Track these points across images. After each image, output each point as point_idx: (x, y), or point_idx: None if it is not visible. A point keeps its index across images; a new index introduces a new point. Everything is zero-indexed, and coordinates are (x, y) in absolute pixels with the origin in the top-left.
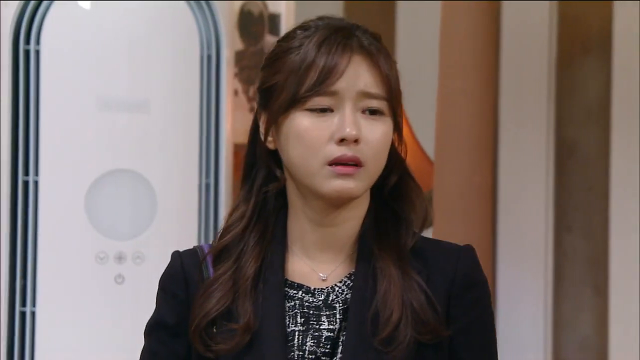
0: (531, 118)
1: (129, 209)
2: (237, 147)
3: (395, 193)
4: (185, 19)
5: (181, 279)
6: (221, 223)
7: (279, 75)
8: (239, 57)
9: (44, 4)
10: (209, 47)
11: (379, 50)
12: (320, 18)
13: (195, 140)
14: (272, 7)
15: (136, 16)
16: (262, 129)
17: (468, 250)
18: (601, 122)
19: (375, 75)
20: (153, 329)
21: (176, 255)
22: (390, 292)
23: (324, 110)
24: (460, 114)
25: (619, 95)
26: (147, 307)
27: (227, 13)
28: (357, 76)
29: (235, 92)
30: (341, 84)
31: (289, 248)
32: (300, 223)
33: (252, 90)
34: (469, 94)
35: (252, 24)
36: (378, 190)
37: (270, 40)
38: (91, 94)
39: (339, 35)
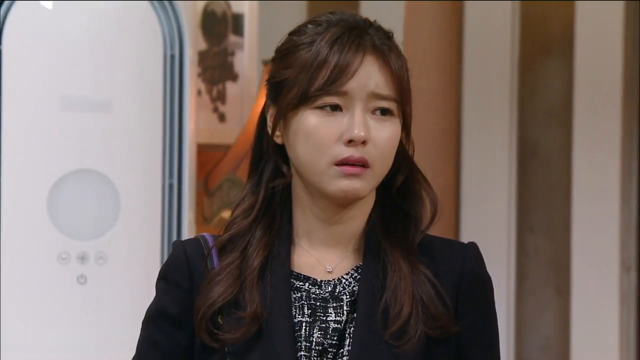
0: (494, 118)
1: (92, 209)
2: (200, 148)
3: (403, 191)
4: (148, 18)
5: (185, 269)
6: (185, 223)
7: (289, 71)
8: (202, 57)
9: (6, 4)
10: (172, 47)
11: (390, 49)
12: (332, 13)
13: (159, 140)
14: (235, 7)
15: (99, 16)
16: (269, 122)
17: (474, 247)
18: (563, 122)
19: (386, 75)
20: (153, 319)
21: (179, 244)
22: (401, 286)
23: (333, 109)
24: (424, 114)
25: (580, 95)
26: (109, 307)
27: (190, 13)
28: (369, 77)
29: (199, 92)
30: (352, 84)
31: (295, 241)
32: (306, 219)
33: (216, 90)
34: (432, 94)
35: (215, 24)
36: (384, 189)
37: (233, 40)
38: (54, 94)
39: (352, 34)
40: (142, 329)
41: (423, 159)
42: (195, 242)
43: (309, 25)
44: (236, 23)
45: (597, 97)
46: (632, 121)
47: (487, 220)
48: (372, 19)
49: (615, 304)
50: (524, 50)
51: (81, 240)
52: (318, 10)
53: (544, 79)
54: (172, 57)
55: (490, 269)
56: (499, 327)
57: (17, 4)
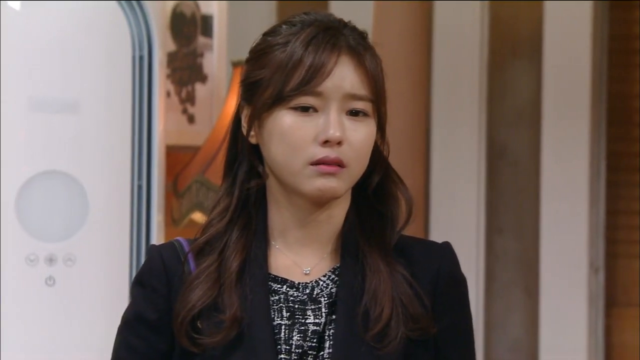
0: (462, 120)
1: (60, 210)
2: (169, 149)
3: (378, 192)
4: (116, 19)
5: (162, 274)
6: (154, 225)
7: (264, 71)
8: (171, 58)
9: None
10: (140, 48)
11: (365, 49)
12: (306, 13)
13: (127, 142)
14: (205, 8)
15: (67, 17)
16: (244, 123)
17: (450, 248)
18: (532, 124)
19: (361, 76)
20: (131, 324)
21: (154, 249)
22: (380, 289)
23: (308, 109)
24: (393, 115)
25: (549, 97)
26: (78, 309)
27: (159, 14)
28: (344, 77)
29: (168, 94)
30: (327, 85)
31: (270, 242)
32: (282, 219)
33: (185, 91)
34: (401, 95)
35: (184, 25)
36: (360, 189)
37: (202, 42)
38: (21, 95)
39: (327, 34)
40: (118, 334)
41: (392, 160)
42: (171, 246)
43: (284, 26)
44: (205, 24)
45: (565, 98)
46: (600, 123)
47: (456, 221)
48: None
49: (584, 305)
50: (493, 51)
51: (49, 242)
52: (288, 11)
53: (513, 81)
54: (141, 58)
55: None
56: None
57: None
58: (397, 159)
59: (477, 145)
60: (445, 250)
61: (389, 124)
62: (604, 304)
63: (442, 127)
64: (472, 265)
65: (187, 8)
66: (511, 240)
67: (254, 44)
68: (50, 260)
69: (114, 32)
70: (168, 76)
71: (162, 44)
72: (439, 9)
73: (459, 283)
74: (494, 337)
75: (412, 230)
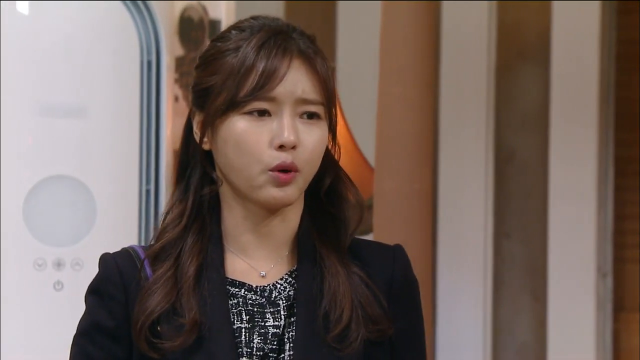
0: (470, 124)
1: (68, 215)
2: (177, 153)
3: (330, 194)
4: (125, 24)
5: (118, 281)
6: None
7: (216, 77)
8: (179, 62)
9: None
10: (149, 53)
11: (316, 53)
12: (254, 18)
13: (136, 146)
14: (213, 13)
15: (75, 21)
16: (196, 129)
17: (402, 250)
18: (540, 128)
19: (313, 79)
20: (88, 333)
21: (109, 257)
22: (340, 291)
23: (262, 114)
24: (400, 120)
25: (557, 101)
26: None
27: (167, 19)
28: (296, 81)
29: (176, 98)
30: (280, 90)
31: (225, 247)
32: (236, 223)
33: None
34: (409, 100)
35: (192, 29)
36: (312, 192)
37: None
38: (30, 100)
39: (278, 39)
40: (73, 345)
41: (400, 165)
42: (125, 254)
43: (233, 31)
44: (213, 29)
45: (573, 102)
46: (608, 127)
47: (463, 225)
48: (346, 21)
49: (592, 309)
50: (501, 56)
51: (57, 247)
52: (296, 14)
53: (520, 85)
54: (149, 63)
55: (467, 274)
56: (476, 332)
57: None
58: (405, 164)
59: (484, 150)
60: (398, 252)
61: (397, 129)
62: (611, 308)
63: (449, 131)
64: (479, 269)
65: (195, 13)
66: (519, 245)
67: (203, 50)
68: (58, 264)
69: (122, 36)
70: (176, 81)
71: (170, 49)
72: (447, 13)
73: (412, 285)
74: (501, 341)
75: (419, 236)
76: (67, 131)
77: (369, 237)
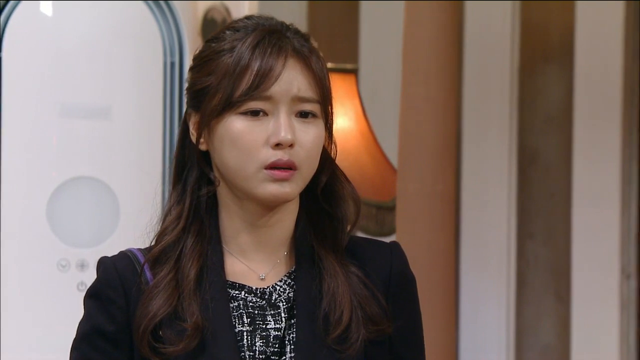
0: (493, 125)
1: (92, 216)
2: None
3: (327, 192)
4: (148, 26)
5: (118, 285)
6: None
7: (211, 77)
8: None
9: (6, 10)
10: (172, 54)
11: (311, 51)
12: (248, 17)
13: (158, 148)
14: (236, 13)
15: (99, 23)
16: (192, 130)
17: (399, 247)
18: (563, 129)
19: (308, 78)
20: (88, 338)
21: (108, 261)
22: (339, 292)
23: (258, 114)
24: (423, 122)
25: (580, 102)
26: None
27: (190, 20)
28: (291, 80)
29: None
30: (276, 89)
31: (224, 248)
32: (233, 224)
33: None
34: (432, 100)
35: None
36: (307, 192)
37: None
38: (53, 101)
39: (272, 38)
40: (73, 350)
41: (422, 166)
42: (125, 257)
43: (227, 31)
44: None
45: (597, 103)
46: (632, 128)
47: (487, 226)
48: (369, 21)
49: (615, 311)
50: (524, 57)
51: (81, 248)
52: (318, 13)
53: (544, 86)
54: (172, 64)
55: (490, 275)
56: (499, 333)
57: (17, 10)
58: (428, 165)
59: (507, 150)
60: (395, 250)
61: (420, 130)
62: (635, 310)
63: (472, 132)
64: (503, 270)
65: (218, 14)
66: (542, 246)
67: (198, 51)
68: (82, 265)
69: (146, 38)
70: None
71: (193, 50)
72: (470, 13)
73: (410, 282)
74: (525, 343)
75: (443, 237)
76: (91, 132)
77: (392, 238)
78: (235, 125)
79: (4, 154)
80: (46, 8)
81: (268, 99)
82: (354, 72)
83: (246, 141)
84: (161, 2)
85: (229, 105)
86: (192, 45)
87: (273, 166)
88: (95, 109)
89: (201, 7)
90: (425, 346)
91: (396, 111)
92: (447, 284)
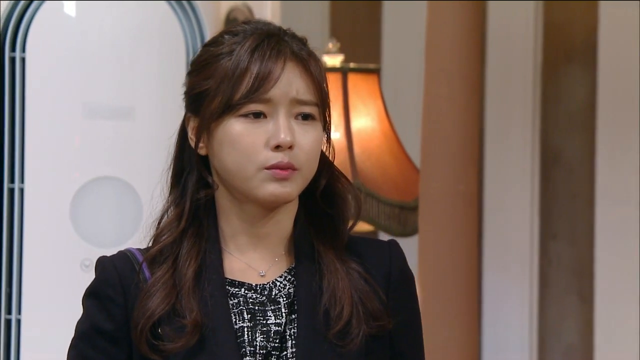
0: (516, 125)
1: (115, 216)
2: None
3: (326, 193)
4: (171, 26)
5: (117, 284)
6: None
7: (210, 81)
8: None
9: (29, 11)
10: (195, 54)
11: (309, 55)
12: (246, 22)
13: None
14: (258, 13)
15: (122, 23)
16: (191, 135)
17: (397, 245)
18: (586, 129)
19: (307, 81)
20: (86, 336)
21: (106, 260)
22: (339, 287)
23: (257, 116)
24: (446, 121)
25: (604, 102)
26: None
27: (213, 20)
28: (290, 83)
29: None
30: (275, 91)
31: (222, 248)
32: (231, 225)
33: None
34: (455, 100)
35: None
36: (306, 193)
37: None
38: (77, 101)
39: (271, 41)
40: (71, 348)
41: (445, 166)
42: (123, 256)
43: (226, 36)
44: None
45: (620, 103)
46: None
47: (509, 227)
48: (391, 21)
49: (638, 310)
50: (547, 57)
51: (104, 248)
52: (341, 13)
53: (567, 86)
54: None
55: (513, 275)
56: (522, 334)
57: (40, 11)
58: (450, 166)
59: (530, 151)
60: (394, 247)
61: (442, 130)
62: None
63: (495, 132)
64: (526, 270)
65: (240, 13)
66: (565, 246)
67: (195, 56)
68: None
69: (169, 38)
70: None
71: None
72: (493, 13)
73: (409, 279)
74: (548, 343)
75: (465, 237)
76: (114, 133)
77: (414, 239)
78: (235, 127)
79: (28, 154)
80: (70, 8)
81: (267, 101)
82: (377, 72)
83: (246, 143)
84: (184, 2)
85: (228, 108)
86: None
87: (273, 168)
88: (118, 110)
89: (224, 7)
90: (442, 344)
91: (419, 111)
92: (470, 284)
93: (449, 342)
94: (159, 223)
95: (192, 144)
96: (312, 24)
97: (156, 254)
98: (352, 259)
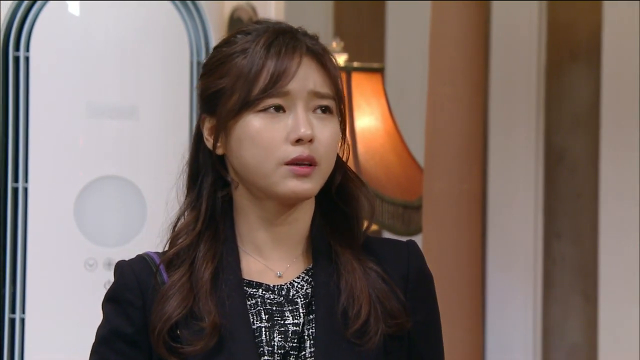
0: (520, 124)
1: (118, 215)
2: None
3: (340, 192)
4: (175, 25)
5: (136, 287)
6: None
7: (225, 80)
8: None
9: (33, 10)
10: (198, 54)
11: (324, 50)
12: (257, 22)
13: (185, 147)
14: (262, 13)
15: (126, 22)
16: (207, 135)
17: (415, 244)
18: (590, 128)
19: (323, 75)
20: (107, 341)
21: (125, 264)
22: (357, 287)
23: (276, 110)
24: (450, 120)
25: (607, 101)
26: None
27: (216, 19)
28: (307, 77)
29: None
30: (293, 85)
31: (240, 249)
32: (250, 224)
33: None
34: (459, 100)
35: None
36: (323, 190)
37: None
38: (80, 100)
39: (285, 37)
40: (92, 354)
41: (449, 165)
42: (141, 260)
43: (238, 36)
44: None
45: (624, 103)
46: None
47: (513, 226)
48: (395, 21)
49: None
50: (551, 56)
51: (108, 247)
52: (344, 13)
53: (571, 85)
54: (199, 63)
55: (517, 275)
56: (526, 333)
57: (44, 10)
58: (454, 165)
59: (534, 150)
60: (412, 247)
61: (446, 129)
62: None
63: (499, 131)
64: (529, 270)
65: (244, 13)
66: (569, 245)
67: (207, 58)
68: (109, 264)
69: (172, 38)
70: None
71: None
72: (497, 13)
73: (428, 279)
74: (551, 343)
75: (469, 236)
76: (118, 132)
77: (418, 238)
78: (254, 123)
79: (32, 153)
80: (74, 8)
81: (286, 94)
82: (381, 71)
83: (265, 138)
84: (188, 1)
85: (246, 105)
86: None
87: (294, 162)
88: (122, 109)
89: (228, 7)
90: (446, 344)
91: (422, 110)
92: (474, 283)
93: (452, 341)
94: (174, 226)
95: (209, 144)
96: (316, 23)
97: (173, 257)
98: (369, 258)
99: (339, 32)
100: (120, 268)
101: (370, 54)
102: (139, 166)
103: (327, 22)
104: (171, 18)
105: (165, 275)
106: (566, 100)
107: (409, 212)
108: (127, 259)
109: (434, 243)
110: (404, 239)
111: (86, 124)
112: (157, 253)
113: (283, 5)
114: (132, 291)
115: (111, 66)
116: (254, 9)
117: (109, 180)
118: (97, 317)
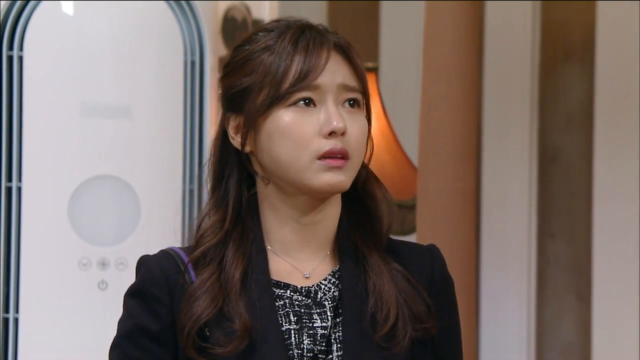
0: (514, 124)
1: (113, 215)
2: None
3: (364, 190)
4: (169, 25)
5: (163, 283)
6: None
7: (252, 77)
8: (223, 63)
9: (27, 9)
10: (192, 53)
11: (350, 45)
12: (276, 20)
13: (179, 147)
14: (256, 13)
15: (120, 22)
16: (233, 134)
17: (437, 249)
18: (584, 128)
19: (351, 69)
20: (131, 336)
21: (151, 260)
22: (385, 290)
23: (307, 104)
24: (444, 120)
25: (601, 101)
26: None
27: (210, 19)
28: (336, 70)
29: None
30: (323, 78)
31: (267, 248)
32: (278, 223)
33: None
34: (452, 99)
35: (236, 29)
36: (347, 191)
37: None
38: (74, 100)
39: (312, 32)
40: (114, 348)
41: (443, 165)
42: (168, 256)
43: (260, 33)
44: None
45: (618, 102)
46: None
47: (507, 225)
48: (389, 21)
49: (636, 310)
50: (544, 56)
51: (102, 246)
52: (338, 13)
53: (565, 84)
54: (193, 63)
55: (511, 274)
56: (520, 333)
57: (38, 9)
58: (448, 164)
59: (528, 149)
60: (435, 252)
61: (440, 128)
62: None
63: (493, 130)
64: (523, 269)
65: (238, 13)
66: (563, 245)
67: (229, 58)
68: (103, 264)
69: (166, 37)
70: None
71: (214, 49)
72: (491, 12)
73: (450, 284)
74: (545, 342)
75: (463, 235)
76: (112, 131)
77: (412, 237)
78: (284, 118)
79: (26, 153)
80: (67, 7)
81: (316, 88)
82: (375, 70)
83: (298, 132)
84: (182, 1)
85: (277, 99)
86: (212, 44)
87: (327, 155)
88: (116, 108)
89: (222, 6)
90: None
91: (417, 110)
92: (468, 282)
93: None
94: (199, 226)
95: (235, 142)
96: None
97: (200, 256)
98: (394, 260)
99: (333, 31)
100: (146, 263)
101: (364, 53)
102: (133, 166)
103: (321, 21)
104: (165, 18)
105: (192, 274)
106: (560, 99)
107: (403, 212)
108: (150, 254)
109: (427, 242)
110: (404, 239)
111: (80, 123)
112: (182, 249)
113: (277, 4)
114: (159, 287)
115: (105, 66)
116: (248, 9)
117: (103, 179)
118: (92, 315)
